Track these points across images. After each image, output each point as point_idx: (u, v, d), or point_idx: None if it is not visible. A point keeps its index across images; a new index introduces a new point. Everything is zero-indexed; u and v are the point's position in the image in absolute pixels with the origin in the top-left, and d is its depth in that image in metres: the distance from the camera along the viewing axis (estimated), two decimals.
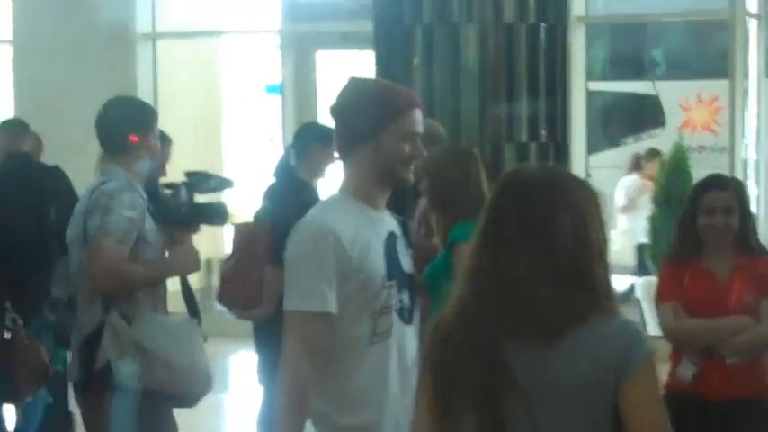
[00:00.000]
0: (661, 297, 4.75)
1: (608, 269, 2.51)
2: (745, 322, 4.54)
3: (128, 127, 4.44)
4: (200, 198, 4.92)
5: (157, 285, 4.41)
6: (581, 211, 2.46)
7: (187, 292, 4.62)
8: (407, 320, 3.38)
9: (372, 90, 3.45)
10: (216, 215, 4.88)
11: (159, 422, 4.38)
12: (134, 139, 4.41)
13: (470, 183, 4.71)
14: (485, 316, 2.40)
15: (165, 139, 5.64)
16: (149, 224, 4.31)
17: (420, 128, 3.36)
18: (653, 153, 11.10)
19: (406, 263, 3.45)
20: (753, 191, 10.70)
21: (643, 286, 8.87)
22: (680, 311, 4.64)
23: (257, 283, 5.64)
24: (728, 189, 4.70)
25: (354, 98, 3.36)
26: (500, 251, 2.44)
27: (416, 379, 3.11)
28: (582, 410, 2.39)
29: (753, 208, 5.00)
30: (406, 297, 3.39)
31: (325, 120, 5.42)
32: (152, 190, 4.91)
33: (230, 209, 5.26)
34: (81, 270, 4.33)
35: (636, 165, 11.13)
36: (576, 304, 2.37)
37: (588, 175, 10.54)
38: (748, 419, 4.57)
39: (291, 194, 5.92)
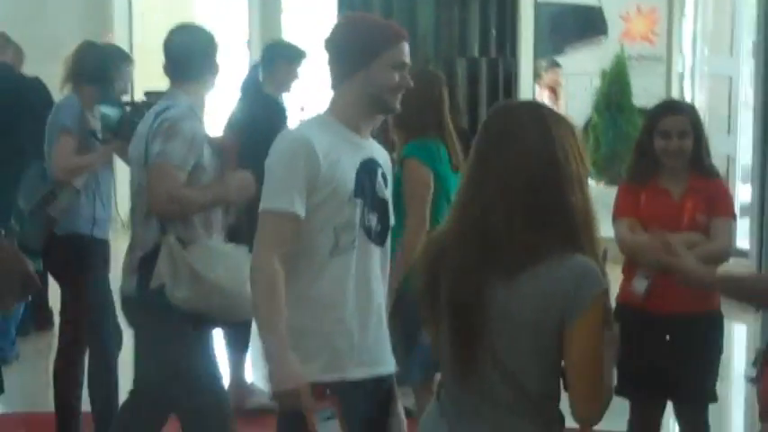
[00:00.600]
0: (618, 213, 4.91)
1: (588, 200, 2.75)
2: (695, 239, 4.78)
3: (196, 55, 4.53)
4: None
5: (212, 210, 4.52)
6: (562, 144, 2.70)
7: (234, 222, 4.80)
8: (375, 241, 3.54)
9: (363, 23, 3.60)
10: None
11: (202, 344, 4.53)
12: (201, 66, 4.53)
13: (432, 104, 4.95)
14: (465, 246, 2.69)
15: (127, 59, 5.77)
16: (207, 151, 4.42)
17: (407, 59, 3.49)
18: (552, 63, 11.32)
19: (383, 191, 3.60)
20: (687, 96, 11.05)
21: None
22: (636, 227, 4.85)
23: None
24: (683, 113, 4.90)
25: (346, 31, 3.52)
26: (481, 188, 2.70)
27: (377, 297, 3.54)
28: (532, 340, 2.69)
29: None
30: (374, 219, 3.54)
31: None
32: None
33: None
34: (139, 191, 4.46)
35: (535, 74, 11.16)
36: (538, 245, 2.65)
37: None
38: (695, 334, 4.84)
39: (259, 108, 6.15)
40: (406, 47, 3.51)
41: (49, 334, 7.01)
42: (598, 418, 2.77)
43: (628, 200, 4.92)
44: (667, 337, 4.82)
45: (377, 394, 3.56)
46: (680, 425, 5.14)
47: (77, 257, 5.38)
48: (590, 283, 2.64)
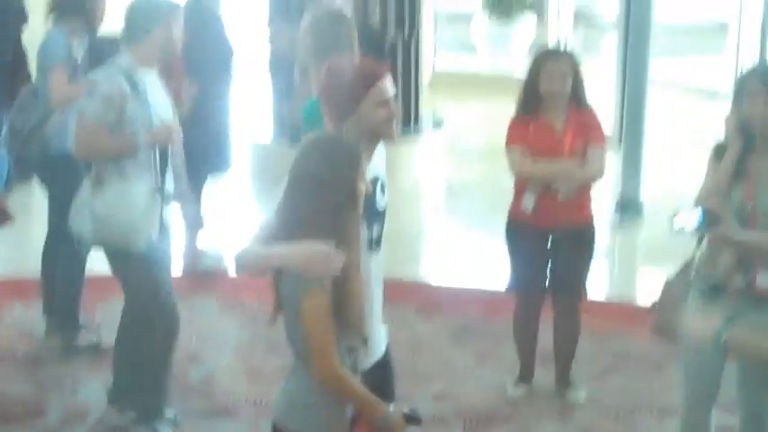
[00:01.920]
0: (510, 141, 5.72)
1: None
2: (575, 164, 5.63)
3: (139, 22, 5.21)
4: None
5: (127, 156, 5.19)
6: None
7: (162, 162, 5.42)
8: (373, 249, 3.85)
9: (344, 73, 3.87)
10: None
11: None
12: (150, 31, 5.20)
13: (339, 43, 5.41)
14: None
15: None
16: (132, 104, 5.10)
17: (390, 93, 3.79)
18: None
19: (381, 202, 3.90)
20: None
21: None
22: (526, 153, 5.67)
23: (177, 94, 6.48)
24: (564, 59, 5.69)
25: (331, 82, 3.86)
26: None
27: (377, 297, 3.89)
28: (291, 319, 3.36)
29: None
30: (375, 230, 3.85)
31: None
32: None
33: None
34: None
35: None
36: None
37: None
38: (572, 243, 5.77)
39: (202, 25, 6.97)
40: (386, 82, 3.78)
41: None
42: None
43: (518, 130, 5.72)
44: (548, 244, 5.74)
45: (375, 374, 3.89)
46: (555, 316, 6.01)
47: (68, 176, 5.99)
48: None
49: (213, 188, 8.65)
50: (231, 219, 9.15)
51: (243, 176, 10.16)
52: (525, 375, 6.09)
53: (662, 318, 4.61)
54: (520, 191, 5.74)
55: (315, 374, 3.31)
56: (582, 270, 5.91)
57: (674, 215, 4.10)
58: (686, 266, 4.61)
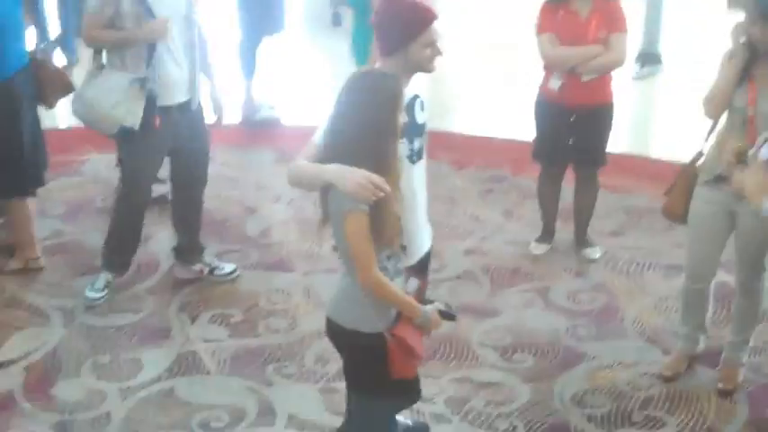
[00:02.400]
0: (540, 30, 6.21)
1: None
2: (598, 51, 6.12)
3: None
4: None
5: (125, 46, 5.74)
6: None
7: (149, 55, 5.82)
8: (415, 161, 4.25)
9: (401, 8, 4.12)
10: None
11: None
12: None
13: None
14: None
15: None
16: (126, 5, 5.61)
17: (438, 36, 4.11)
18: None
19: (421, 116, 4.25)
20: None
21: None
22: (555, 40, 6.17)
23: None
24: None
25: (387, 15, 4.13)
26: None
27: (421, 201, 4.35)
28: (338, 231, 3.78)
29: None
30: (416, 144, 4.23)
31: None
32: None
33: None
34: None
35: None
36: None
37: None
38: (592, 120, 6.31)
39: None
40: (436, 26, 4.10)
41: None
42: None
43: (547, 17, 6.18)
44: (571, 120, 6.28)
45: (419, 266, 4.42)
46: (575, 182, 6.64)
47: None
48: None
49: (269, 46, 9.19)
50: (286, 74, 9.74)
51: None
52: (547, 235, 6.74)
53: (672, 202, 5.24)
54: (549, 72, 6.26)
55: (359, 283, 3.78)
56: (601, 143, 6.42)
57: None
58: (695, 158, 5.15)
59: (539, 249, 6.71)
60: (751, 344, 5.36)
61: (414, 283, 4.11)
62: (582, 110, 6.22)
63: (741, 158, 4.52)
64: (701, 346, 5.47)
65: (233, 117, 8.17)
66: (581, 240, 6.71)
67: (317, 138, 3.96)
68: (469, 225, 7.17)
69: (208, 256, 6.49)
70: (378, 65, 4.19)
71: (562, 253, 6.77)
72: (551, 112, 6.29)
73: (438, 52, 4.15)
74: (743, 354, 5.33)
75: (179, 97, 5.89)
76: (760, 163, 4.16)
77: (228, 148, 8.26)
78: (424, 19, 4.10)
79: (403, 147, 4.05)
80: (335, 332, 4.04)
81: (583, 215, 6.66)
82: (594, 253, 6.63)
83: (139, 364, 5.58)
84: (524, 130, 7.08)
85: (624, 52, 6.22)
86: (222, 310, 6.11)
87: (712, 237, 5.09)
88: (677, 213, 5.20)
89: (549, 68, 6.25)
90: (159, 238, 6.95)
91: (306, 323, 5.91)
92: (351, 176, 3.64)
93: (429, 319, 3.96)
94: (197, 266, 6.43)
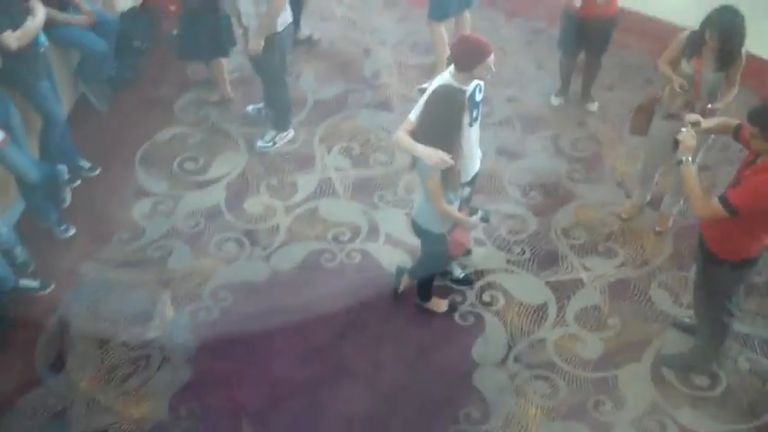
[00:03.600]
0: None
1: None
2: None
3: None
4: None
5: None
6: None
7: None
8: (472, 124, 5.15)
9: (471, 45, 4.89)
10: None
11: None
12: None
13: None
14: None
15: None
16: None
17: (493, 65, 4.91)
18: None
19: (479, 96, 5.12)
20: None
21: None
22: None
23: None
24: None
25: (462, 48, 4.90)
26: None
27: (476, 144, 5.28)
28: (422, 179, 5.00)
29: None
30: (474, 114, 5.11)
31: None
32: None
33: None
34: None
35: None
36: None
37: None
38: (601, 27, 6.84)
39: None
40: (492, 57, 4.88)
41: None
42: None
43: None
44: (586, 27, 6.90)
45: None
46: (587, 58, 7.21)
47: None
48: None
49: None
50: None
51: None
52: (563, 90, 7.54)
53: (636, 122, 6.11)
54: None
55: (433, 208, 4.98)
56: (605, 41, 6.94)
57: None
58: (653, 98, 5.87)
59: (556, 101, 7.53)
60: (681, 202, 6.41)
61: (476, 217, 5.17)
62: (594, 20, 6.73)
63: (688, 106, 5.45)
64: (649, 197, 6.54)
65: None
66: (585, 95, 7.47)
67: (412, 115, 4.93)
68: (512, 75, 7.85)
69: None
70: (453, 74, 4.98)
71: (573, 104, 7.52)
72: (571, 21, 6.86)
73: (491, 71, 4.97)
74: (675, 206, 6.40)
75: None
76: (698, 133, 4.74)
77: None
78: (485, 52, 4.89)
79: (466, 116, 4.93)
80: (416, 228, 5.30)
81: (588, 80, 7.38)
82: (593, 106, 7.45)
83: (295, 187, 6.79)
84: None
85: None
86: (347, 144, 7.15)
87: (660, 151, 6.04)
88: (640, 132, 6.09)
89: None
90: (305, 75, 7.86)
91: (399, 158, 6.92)
92: (431, 154, 4.71)
93: (471, 224, 5.16)
94: None
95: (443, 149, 4.69)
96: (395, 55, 8.13)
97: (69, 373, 5.49)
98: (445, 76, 4.98)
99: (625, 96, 7.57)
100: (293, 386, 5.36)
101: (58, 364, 5.54)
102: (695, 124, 4.68)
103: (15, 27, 5.72)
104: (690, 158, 4.57)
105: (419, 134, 4.80)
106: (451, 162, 4.75)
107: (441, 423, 5.16)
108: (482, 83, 5.15)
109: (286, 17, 6.35)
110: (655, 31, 7.84)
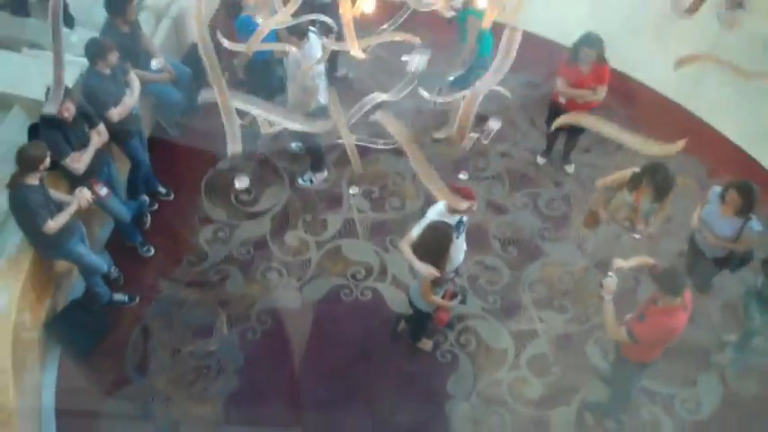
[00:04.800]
0: (559, 74, 8.11)
1: None
2: (588, 94, 8.12)
3: None
4: None
5: None
6: None
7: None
8: (458, 237, 6.47)
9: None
10: None
11: None
12: None
13: None
14: None
15: None
16: None
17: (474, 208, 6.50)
18: None
19: (465, 218, 6.64)
20: None
21: None
22: (565, 84, 8.00)
23: None
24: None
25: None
26: None
27: (462, 246, 6.92)
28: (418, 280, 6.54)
29: None
30: (461, 231, 6.55)
31: None
32: None
33: None
34: None
35: None
36: None
37: None
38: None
39: None
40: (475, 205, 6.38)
41: None
42: None
43: (565, 71, 8.07)
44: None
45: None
46: (569, 133, 8.53)
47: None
48: None
49: None
50: None
51: None
52: (547, 152, 9.04)
53: (588, 220, 7.62)
54: (557, 92, 8.23)
55: (422, 297, 6.71)
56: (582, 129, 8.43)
57: None
58: (598, 206, 7.41)
59: (541, 160, 9.04)
60: None
61: (456, 302, 6.81)
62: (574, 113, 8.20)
63: (629, 221, 7.09)
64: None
65: None
66: (565, 158, 8.89)
67: (414, 232, 6.47)
68: (507, 130, 9.18)
69: None
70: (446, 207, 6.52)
71: (554, 164, 8.96)
72: (558, 109, 8.21)
73: (472, 213, 6.69)
74: None
75: None
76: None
77: None
78: (470, 210, 6.55)
79: (454, 236, 6.34)
80: (411, 304, 7.04)
81: (568, 146, 8.79)
82: (569, 168, 8.96)
83: (325, 224, 8.44)
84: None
85: (604, 94, 7.97)
86: (368, 186, 8.73)
87: (603, 243, 7.66)
88: (590, 227, 7.66)
89: (560, 93, 8.13)
90: None
91: (410, 205, 8.50)
92: (423, 268, 6.28)
93: (451, 308, 6.83)
94: None
95: (433, 265, 6.36)
96: (413, 100, 9.49)
97: (151, 376, 7.34)
98: (440, 209, 6.52)
99: (598, 161, 9.00)
100: (315, 402, 7.20)
101: (142, 368, 7.38)
102: (619, 270, 6.33)
103: (117, 99, 7.26)
104: (611, 298, 6.25)
105: (416, 252, 6.43)
106: (438, 274, 6.41)
107: None
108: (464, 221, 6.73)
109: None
110: (638, 97, 9.25)
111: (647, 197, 6.93)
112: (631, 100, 9.36)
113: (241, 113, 3.61)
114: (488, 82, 3.48)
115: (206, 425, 7.06)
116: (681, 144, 3.79)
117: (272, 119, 3.70)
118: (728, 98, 8.77)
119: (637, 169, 6.89)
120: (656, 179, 6.71)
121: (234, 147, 3.52)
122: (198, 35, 3.47)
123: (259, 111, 3.66)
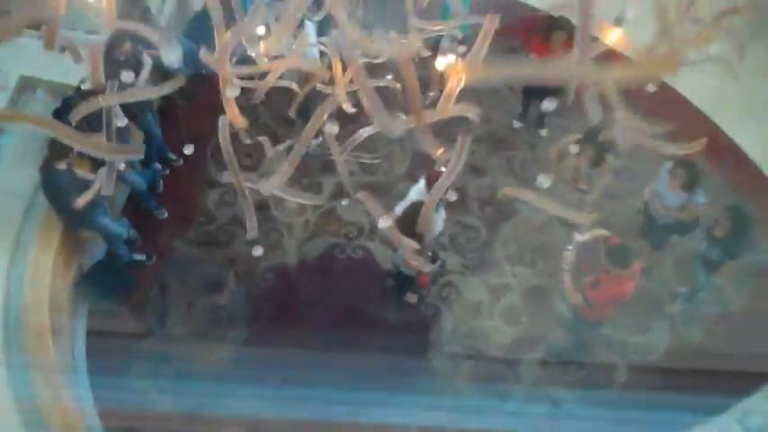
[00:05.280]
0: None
1: None
2: None
3: None
4: None
5: None
6: None
7: None
8: (438, 210, 7.40)
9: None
10: None
11: None
12: None
13: None
14: None
15: None
16: None
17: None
18: None
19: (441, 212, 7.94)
20: None
21: None
22: None
23: None
24: None
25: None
26: None
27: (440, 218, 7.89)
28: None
29: None
30: (440, 208, 7.84)
31: None
32: None
33: None
34: None
35: None
36: None
37: None
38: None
39: None
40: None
41: None
42: None
43: (541, 50, 8.85)
44: None
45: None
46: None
47: None
48: None
49: None
50: None
51: None
52: (523, 116, 9.76)
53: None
54: None
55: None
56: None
57: None
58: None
59: (517, 124, 9.77)
60: None
61: (435, 265, 7.82)
62: None
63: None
64: None
65: None
66: (539, 122, 9.66)
67: (398, 209, 7.40)
68: (487, 93, 9.86)
69: None
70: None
71: (529, 128, 9.74)
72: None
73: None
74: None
75: None
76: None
77: None
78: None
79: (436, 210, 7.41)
80: (398, 269, 7.97)
81: (542, 112, 9.71)
82: (544, 132, 9.72)
83: (320, 187, 9.29)
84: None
85: None
86: (359, 152, 9.58)
87: None
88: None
89: None
90: None
91: (398, 168, 9.37)
92: (405, 243, 7.19)
93: (430, 270, 7.76)
94: None
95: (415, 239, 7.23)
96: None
97: (171, 328, 8.31)
98: (420, 188, 7.37)
99: (570, 124, 9.79)
100: (313, 347, 8.17)
101: (162, 320, 8.34)
102: (577, 243, 7.24)
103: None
104: (569, 268, 7.17)
105: (400, 229, 7.29)
106: (419, 247, 7.28)
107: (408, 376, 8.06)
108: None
109: None
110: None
111: (586, 162, 7.77)
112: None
113: None
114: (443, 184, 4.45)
115: (219, 368, 8.04)
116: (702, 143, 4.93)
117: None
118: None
119: (580, 136, 7.70)
120: (592, 148, 7.55)
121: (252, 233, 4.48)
122: None
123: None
